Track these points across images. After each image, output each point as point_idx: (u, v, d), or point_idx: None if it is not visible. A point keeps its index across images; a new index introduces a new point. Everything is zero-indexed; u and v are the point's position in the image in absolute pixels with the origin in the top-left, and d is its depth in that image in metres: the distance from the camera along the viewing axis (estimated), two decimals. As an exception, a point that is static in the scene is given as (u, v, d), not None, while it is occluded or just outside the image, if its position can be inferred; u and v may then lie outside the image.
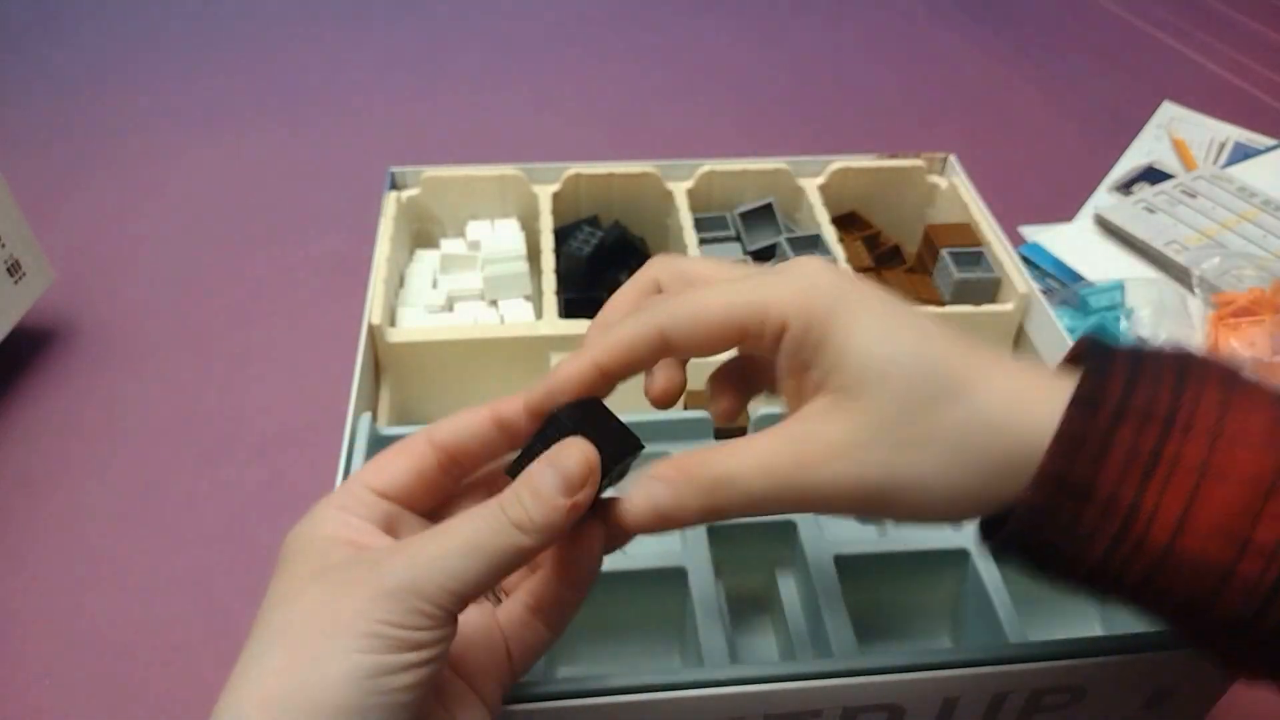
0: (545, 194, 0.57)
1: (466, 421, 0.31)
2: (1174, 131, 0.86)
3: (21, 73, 0.95)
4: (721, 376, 0.34)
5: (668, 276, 0.32)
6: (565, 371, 0.29)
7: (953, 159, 0.60)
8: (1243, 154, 0.83)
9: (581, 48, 1.02)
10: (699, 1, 1.11)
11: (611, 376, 0.30)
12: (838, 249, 0.54)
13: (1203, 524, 0.25)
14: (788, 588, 0.41)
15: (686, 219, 0.56)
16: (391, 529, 0.29)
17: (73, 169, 0.82)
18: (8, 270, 0.59)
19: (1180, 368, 0.26)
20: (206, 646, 0.48)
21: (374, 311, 0.48)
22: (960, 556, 0.40)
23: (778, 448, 0.28)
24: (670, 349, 0.29)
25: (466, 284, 0.54)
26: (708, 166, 0.58)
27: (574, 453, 0.27)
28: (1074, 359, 0.29)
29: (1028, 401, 0.26)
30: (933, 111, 0.92)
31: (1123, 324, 0.62)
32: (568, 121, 0.89)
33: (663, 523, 0.28)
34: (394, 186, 0.58)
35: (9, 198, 0.59)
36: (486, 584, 0.26)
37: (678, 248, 0.56)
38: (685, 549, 0.40)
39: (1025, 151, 0.85)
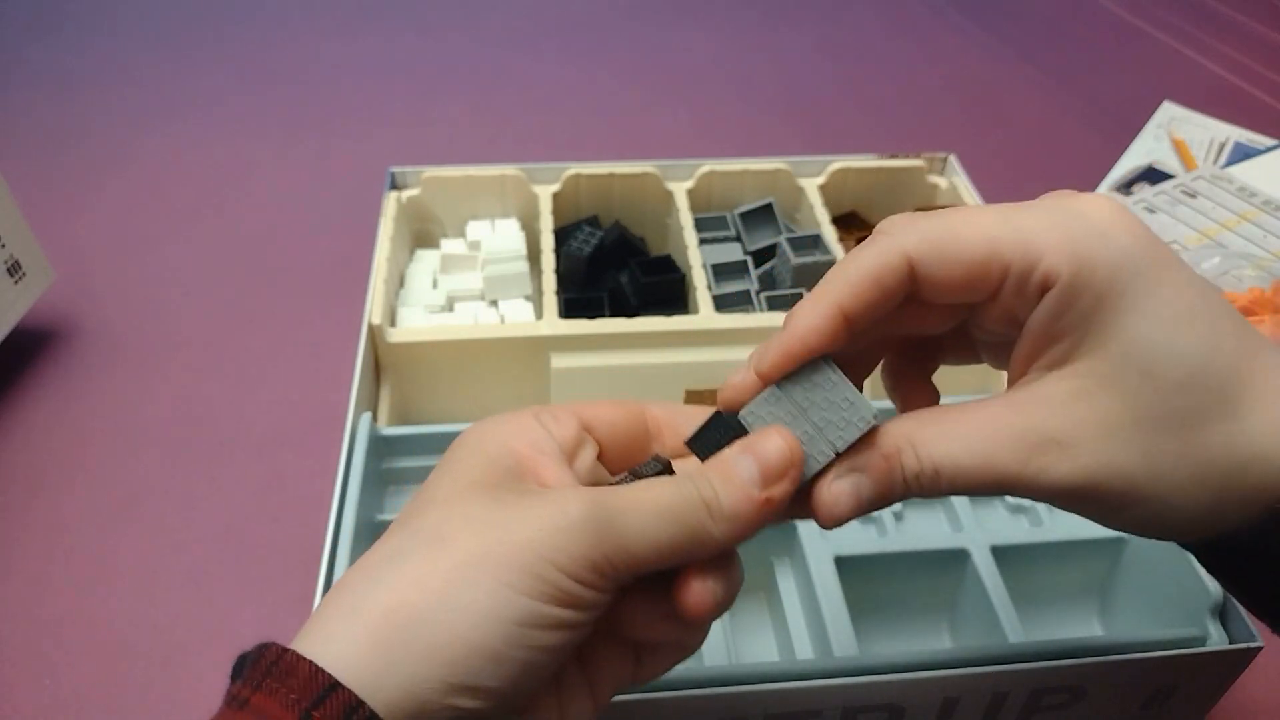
0: (545, 194, 0.57)
1: (686, 409, 0.27)
2: (1174, 131, 0.86)
3: (22, 73, 0.95)
4: (900, 375, 0.29)
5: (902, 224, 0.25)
6: (803, 324, 0.24)
7: (953, 159, 0.60)
8: (1243, 154, 0.83)
9: (581, 48, 1.02)
10: (699, 1, 1.11)
11: (856, 322, 0.24)
12: (837, 249, 0.54)
13: None
14: (788, 588, 0.41)
15: (686, 219, 0.56)
16: (571, 462, 0.25)
17: (73, 169, 0.82)
18: (8, 270, 0.59)
19: None
20: (206, 646, 0.48)
21: (374, 311, 0.48)
22: (960, 556, 0.40)
23: (1004, 436, 0.23)
24: (918, 286, 0.24)
25: (466, 284, 0.54)
26: (708, 166, 0.58)
27: (776, 441, 0.23)
28: None
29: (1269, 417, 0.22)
30: (933, 111, 0.92)
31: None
32: (568, 121, 0.89)
33: (863, 513, 0.24)
34: (394, 186, 0.58)
35: (9, 198, 0.60)
36: (666, 557, 0.23)
37: (678, 247, 0.56)
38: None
39: (1025, 151, 0.85)
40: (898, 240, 0.24)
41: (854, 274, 0.24)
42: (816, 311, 0.24)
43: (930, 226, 0.24)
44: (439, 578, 0.21)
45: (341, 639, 0.21)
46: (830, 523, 0.24)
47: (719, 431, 0.25)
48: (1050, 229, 0.23)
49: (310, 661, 0.20)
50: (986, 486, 0.23)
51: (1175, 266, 0.23)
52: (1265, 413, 0.22)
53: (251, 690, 0.21)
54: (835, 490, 0.24)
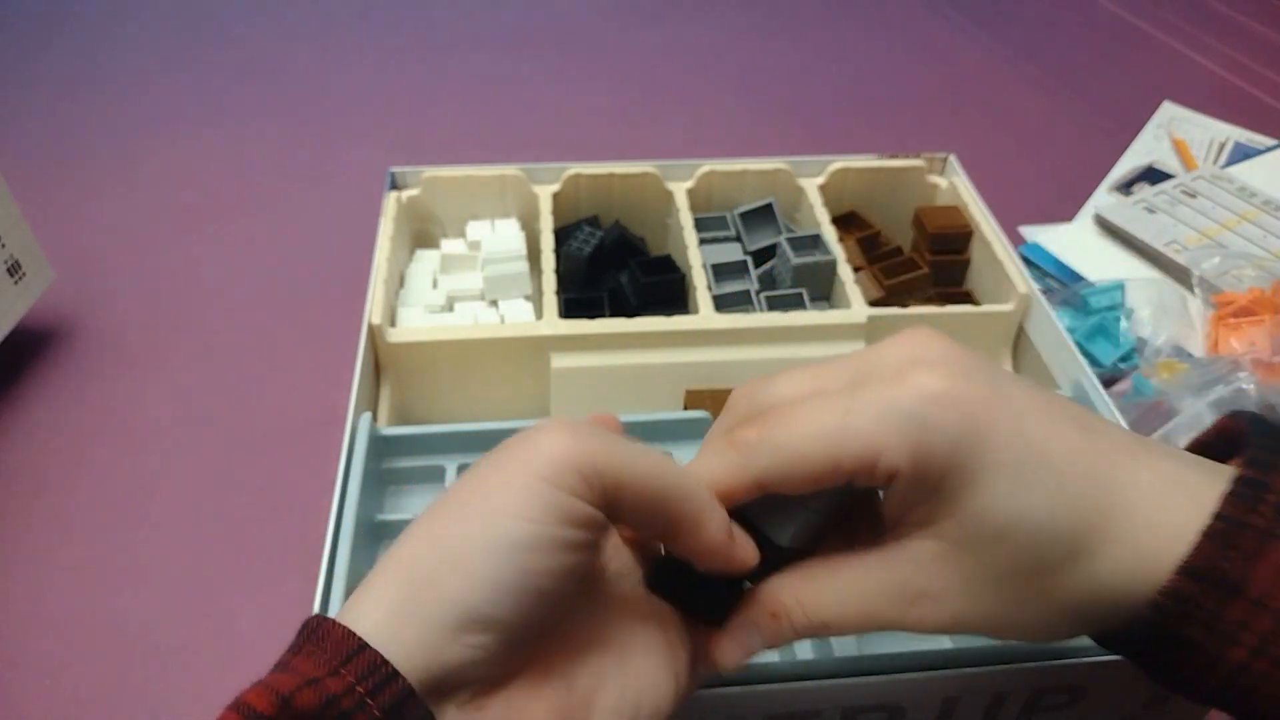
0: (545, 194, 0.57)
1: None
2: (1174, 131, 0.86)
3: (22, 73, 0.95)
4: None
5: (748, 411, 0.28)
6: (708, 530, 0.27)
7: (953, 159, 0.60)
8: (1243, 154, 0.83)
9: (582, 48, 1.02)
10: (699, 1, 1.11)
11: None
12: (837, 249, 0.54)
13: None
14: (788, 588, 0.41)
15: (686, 219, 0.56)
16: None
17: (73, 169, 0.82)
18: (8, 270, 0.59)
19: None
20: (206, 646, 0.48)
21: (374, 311, 0.48)
22: (960, 556, 0.40)
23: (882, 592, 0.26)
24: (761, 488, 0.26)
25: (466, 284, 0.54)
26: (708, 166, 0.58)
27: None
28: (1226, 432, 0.27)
29: (1152, 560, 0.24)
30: (932, 111, 0.92)
31: (1123, 324, 0.62)
32: (568, 121, 0.89)
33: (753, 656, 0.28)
34: (394, 186, 0.58)
35: (9, 198, 0.60)
36: (641, 489, 0.24)
37: (678, 247, 0.56)
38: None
39: (1025, 151, 0.85)
40: (749, 467, 0.26)
41: (708, 488, 0.26)
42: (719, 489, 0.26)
43: (775, 449, 0.25)
44: (446, 527, 0.24)
45: (371, 602, 0.23)
46: (729, 671, 0.27)
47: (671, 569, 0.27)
48: (884, 426, 0.24)
49: (343, 626, 0.23)
50: (871, 630, 0.27)
51: (1011, 427, 0.25)
52: (1117, 549, 0.24)
53: (292, 655, 0.23)
54: (727, 648, 0.27)
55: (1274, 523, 0.23)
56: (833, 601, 0.26)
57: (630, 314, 0.50)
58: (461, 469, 0.43)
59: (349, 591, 0.35)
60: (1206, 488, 0.24)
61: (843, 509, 0.28)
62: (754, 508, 0.27)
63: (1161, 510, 0.25)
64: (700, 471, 0.26)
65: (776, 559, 0.27)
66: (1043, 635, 0.26)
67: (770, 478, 0.26)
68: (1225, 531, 0.24)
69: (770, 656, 0.41)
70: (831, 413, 0.25)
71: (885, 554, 0.26)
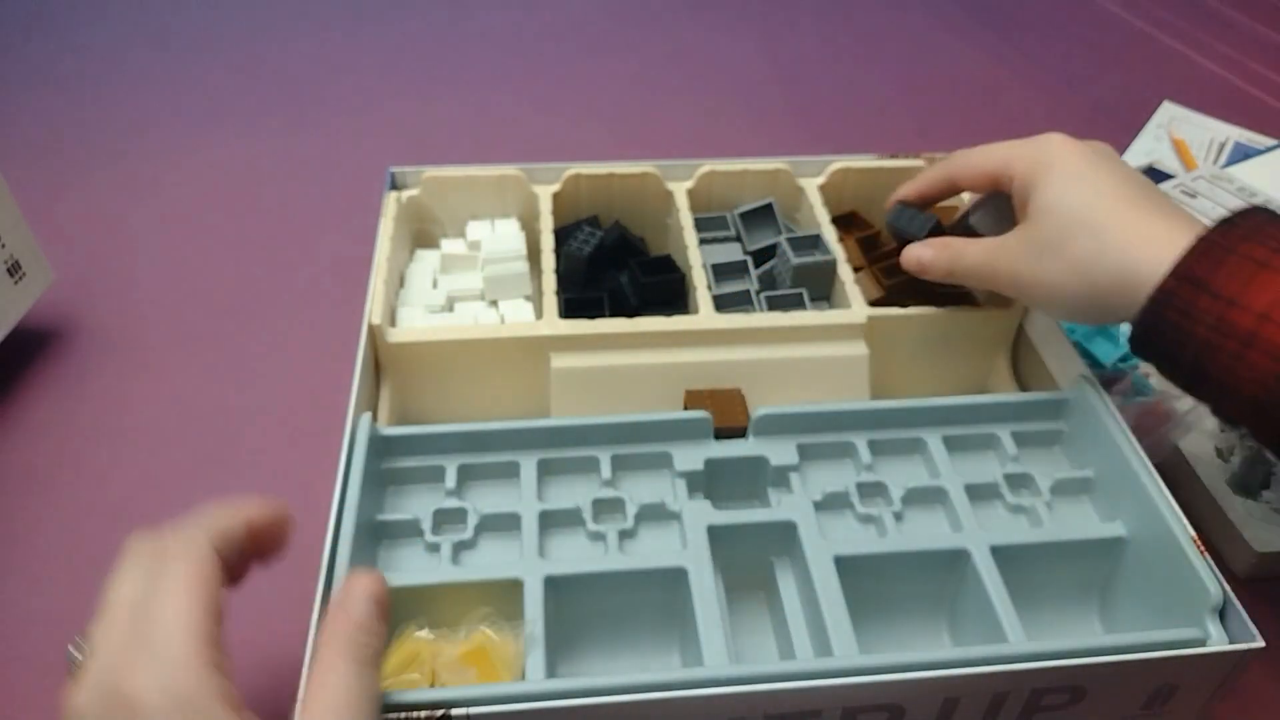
0: (545, 194, 0.57)
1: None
2: (1174, 131, 0.86)
3: (22, 73, 0.95)
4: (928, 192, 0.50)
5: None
6: (909, 191, 0.50)
7: (953, 159, 0.60)
8: (1243, 154, 0.83)
9: (582, 48, 1.02)
10: (699, 1, 1.11)
11: (924, 199, 0.50)
12: (837, 249, 0.54)
13: None
14: (788, 588, 0.41)
15: (686, 219, 0.56)
16: None
17: (73, 169, 0.82)
18: (8, 270, 0.59)
19: None
20: (206, 646, 0.48)
21: (374, 311, 0.48)
22: (960, 556, 0.40)
23: (990, 246, 0.44)
24: (955, 185, 0.48)
25: (466, 284, 0.54)
26: (708, 166, 0.58)
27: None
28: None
29: (1148, 246, 0.37)
30: (932, 112, 0.92)
31: (1123, 324, 0.62)
32: (568, 121, 0.89)
33: (921, 269, 0.48)
34: (394, 186, 0.58)
35: (9, 198, 0.60)
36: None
37: (678, 248, 0.56)
38: (685, 549, 0.40)
39: (1025, 151, 0.85)
40: (948, 167, 0.48)
41: (922, 177, 0.50)
42: (912, 190, 0.51)
43: (964, 158, 0.47)
44: None
45: None
46: (912, 266, 0.48)
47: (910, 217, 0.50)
48: (1020, 151, 0.44)
49: None
50: (982, 273, 0.45)
51: (1080, 164, 0.41)
52: (1122, 235, 0.38)
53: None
54: (914, 250, 0.48)
55: (1235, 244, 0.35)
56: (969, 246, 0.45)
57: (630, 314, 0.50)
58: (461, 469, 0.43)
59: (349, 591, 0.35)
60: (1196, 227, 0.37)
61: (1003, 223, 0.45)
62: (965, 215, 0.48)
63: (1159, 228, 0.37)
64: (927, 176, 0.49)
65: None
66: (1061, 292, 0.40)
67: (960, 173, 0.47)
68: (1202, 247, 0.35)
69: (770, 657, 0.41)
70: (1001, 146, 0.45)
71: (1007, 235, 0.43)
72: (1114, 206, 0.39)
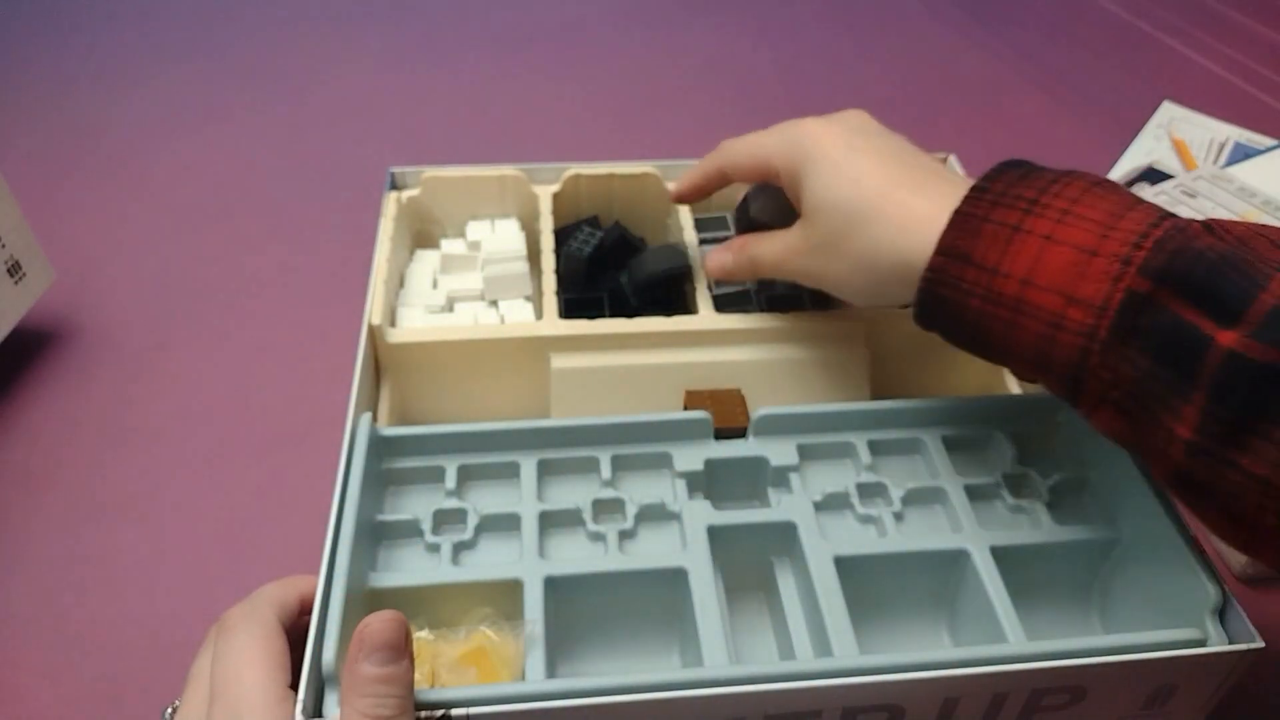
0: (545, 194, 0.57)
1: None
2: (1174, 131, 0.86)
3: (23, 73, 0.95)
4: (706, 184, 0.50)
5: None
6: (684, 185, 0.50)
7: (953, 159, 0.60)
8: (1243, 154, 0.83)
9: (581, 47, 1.02)
10: (699, 1, 1.11)
11: (699, 191, 0.50)
12: (838, 249, 0.54)
13: (1043, 278, 0.33)
14: (788, 588, 0.41)
15: (686, 219, 0.56)
16: None
17: (73, 169, 0.82)
18: (8, 270, 0.60)
19: (1067, 171, 0.36)
20: (206, 646, 0.48)
21: (374, 312, 0.48)
22: (960, 556, 0.40)
23: (779, 245, 0.45)
24: (726, 177, 0.48)
25: (466, 284, 0.54)
26: (708, 166, 0.58)
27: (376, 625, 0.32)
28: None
29: (917, 229, 0.37)
30: (932, 111, 0.92)
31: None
32: (568, 121, 0.89)
33: (726, 275, 0.49)
34: (394, 186, 0.58)
35: (9, 198, 0.60)
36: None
37: (678, 248, 0.56)
38: (685, 549, 0.40)
39: (1025, 151, 0.84)
40: (716, 160, 0.48)
41: (692, 172, 0.50)
42: (683, 184, 0.50)
43: (730, 154, 0.47)
44: None
45: None
46: (717, 274, 0.49)
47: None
48: (778, 145, 0.44)
49: None
50: (777, 271, 0.46)
51: (835, 151, 0.41)
52: (888, 224, 0.39)
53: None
54: (715, 256, 0.49)
55: (988, 212, 0.35)
56: (760, 246, 0.46)
57: (630, 314, 0.50)
58: (461, 469, 0.43)
59: (349, 592, 0.35)
60: (955, 197, 0.37)
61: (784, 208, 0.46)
62: (746, 203, 0.49)
63: (923, 208, 0.38)
64: (701, 168, 0.49)
65: (751, 228, 0.49)
66: (849, 284, 0.42)
67: (728, 166, 0.47)
68: (958, 221, 0.36)
69: (770, 657, 0.41)
70: (760, 138, 0.45)
71: (793, 226, 0.44)
72: (879, 192, 0.39)
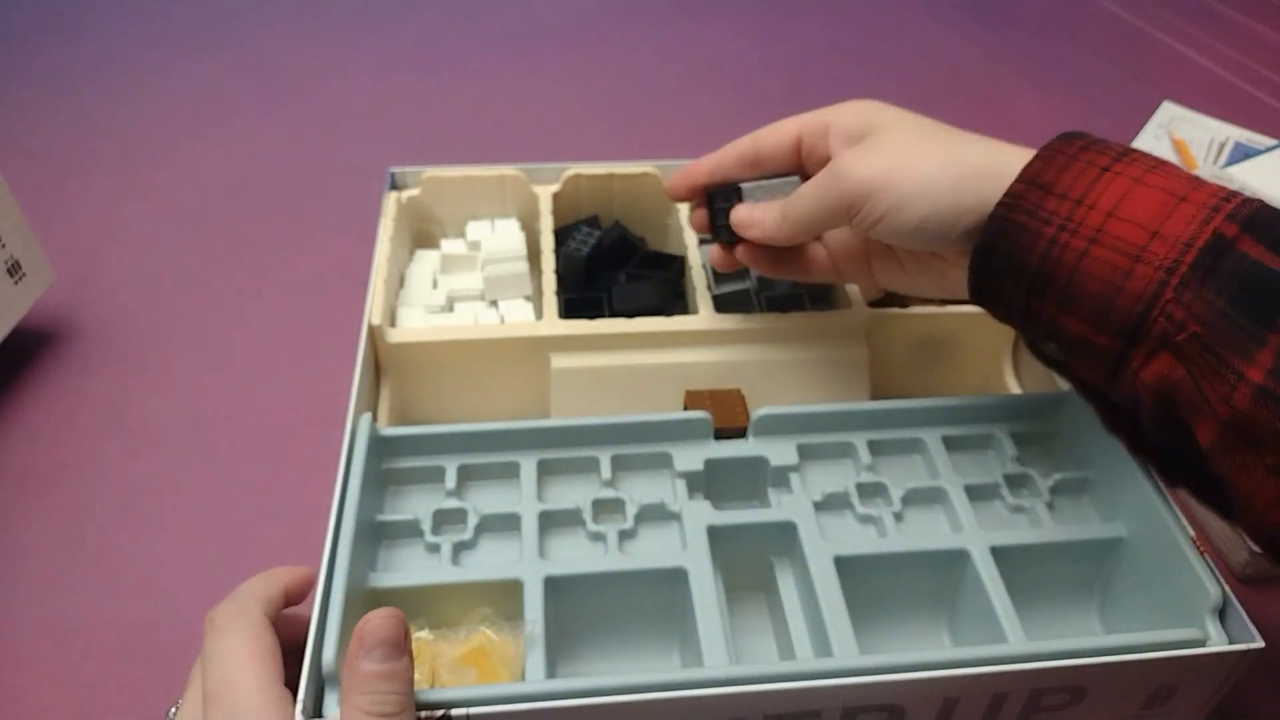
0: (545, 194, 0.57)
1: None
2: (1174, 131, 0.86)
3: (21, 72, 0.95)
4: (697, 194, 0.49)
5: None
6: (705, 166, 0.48)
7: (953, 159, 0.60)
8: (1243, 154, 0.83)
9: (581, 47, 1.02)
10: (699, 1, 1.11)
11: (730, 169, 0.47)
12: (838, 249, 0.54)
13: (1129, 212, 0.34)
14: (788, 588, 0.41)
15: (686, 219, 0.56)
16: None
17: (72, 169, 0.82)
18: (8, 270, 0.60)
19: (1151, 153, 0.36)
20: (206, 646, 0.48)
21: (374, 312, 0.48)
22: (960, 556, 0.40)
23: (827, 167, 0.42)
24: (756, 151, 0.46)
25: (466, 284, 0.54)
26: (708, 166, 0.58)
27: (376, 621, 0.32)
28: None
29: (1005, 152, 0.37)
30: (932, 111, 0.92)
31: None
32: (568, 121, 0.89)
33: (768, 239, 0.46)
34: (394, 186, 0.58)
35: (9, 198, 0.60)
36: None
37: (677, 248, 0.56)
38: (685, 549, 0.40)
39: (1025, 151, 0.85)
40: (748, 137, 0.47)
41: (724, 150, 0.48)
42: (708, 164, 0.48)
43: (764, 130, 0.47)
44: None
45: None
46: (750, 228, 0.46)
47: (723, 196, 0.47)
48: (838, 109, 0.45)
49: None
50: (809, 223, 0.44)
51: (888, 125, 0.42)
52: (974, 141, 0.39)
53: None
54: (743, 212, 0.47)
55: (1078, 153, 0.35)
56: (804, 193, 0.44)
57: (630, 314, 0.50)
58: (461, 469, 0.43)
59: (349, 592, 0.35)
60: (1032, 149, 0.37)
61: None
62: (714, 206, 0.47)
63: (1004, 147, 0.38)
64: (730, 147, 0.47)
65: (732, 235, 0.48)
66: (927, 194, 0.39)
67: (762, 135, 0.46)
68: (1045, 154, 0.36)
69: (770, 657, 0.41)
70: (808, 115, 0.46)
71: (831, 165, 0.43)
72: (954, 131, 0.41)
